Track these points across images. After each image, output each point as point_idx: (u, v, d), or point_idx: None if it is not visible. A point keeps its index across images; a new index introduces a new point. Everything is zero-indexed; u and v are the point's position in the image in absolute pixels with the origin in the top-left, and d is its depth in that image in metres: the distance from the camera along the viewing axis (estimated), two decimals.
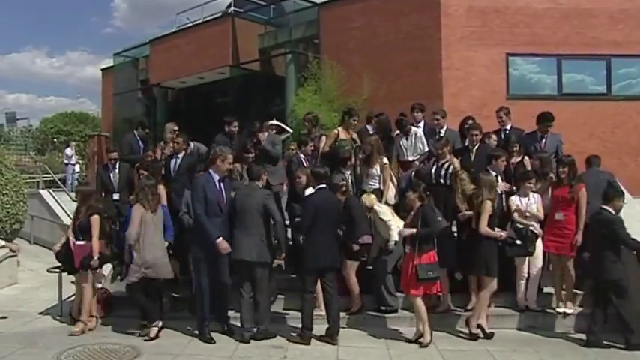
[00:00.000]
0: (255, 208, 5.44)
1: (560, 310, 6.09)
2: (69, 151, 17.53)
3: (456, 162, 6.59)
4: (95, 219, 5.80)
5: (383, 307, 6.17)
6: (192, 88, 17.20)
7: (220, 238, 5.20)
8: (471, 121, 7.39)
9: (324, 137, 7.73)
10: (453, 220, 6.09)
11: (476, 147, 6.79)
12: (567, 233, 5.92)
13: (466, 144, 7.03)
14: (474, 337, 5.61)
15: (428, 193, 5.56)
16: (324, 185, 5.64)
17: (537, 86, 11.81)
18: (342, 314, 6.12)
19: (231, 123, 7.45)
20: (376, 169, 6.57)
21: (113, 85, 19.78)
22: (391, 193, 6.54)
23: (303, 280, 5.47)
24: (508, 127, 7.36)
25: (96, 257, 5.79)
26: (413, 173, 6.80)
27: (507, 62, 11.66)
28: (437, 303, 6.19)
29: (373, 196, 6.23)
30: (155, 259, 5.46)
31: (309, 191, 6.07)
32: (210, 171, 5.40)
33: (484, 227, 5.59)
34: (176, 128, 7.66)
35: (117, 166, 7.22)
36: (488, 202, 5.58)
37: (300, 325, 5.50)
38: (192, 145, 7.34)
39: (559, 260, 6.08)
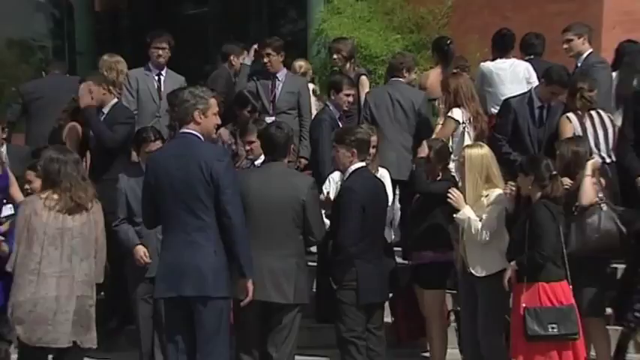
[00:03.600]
0: (290, 207, 5.62)
1: None
2: None
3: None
4: None
5: None
6: None
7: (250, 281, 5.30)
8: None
9: (363, 78, 8.24)
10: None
11: None
12: None
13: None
14: None
15: (554, 173, 5.72)
16: (364, 164, 5.99)
17: None
18: None
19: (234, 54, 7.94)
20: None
21: None
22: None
23: (345, 329, 5.79)
24: None
25: None
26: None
27: None
28: None
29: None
30: (47, 305, 5.39)
31: (336, 174, 6.50)
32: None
33: None
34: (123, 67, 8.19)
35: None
36: None
37: None
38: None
39: None
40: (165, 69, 8.42)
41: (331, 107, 7.62)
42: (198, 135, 5.26)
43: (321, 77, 10.87)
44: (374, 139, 6.64)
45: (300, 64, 9.46)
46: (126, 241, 6.45)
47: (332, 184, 6.68)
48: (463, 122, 7.21)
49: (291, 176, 5.91)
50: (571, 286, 5.63)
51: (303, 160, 8.18)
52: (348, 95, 7.60)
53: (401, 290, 6.72)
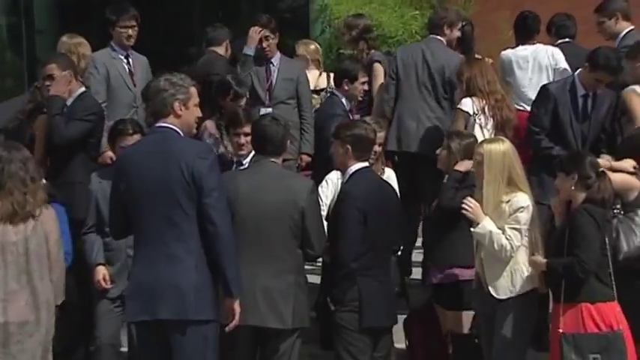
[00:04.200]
0: (286, 215, 5.63)
1: None
2: None
3: None
4: None
5: None
6: None
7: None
8: None
9: (377, 66, 8.29)
10: None
11: None
12: None
13: None
14: None
15: (601, 170, 5.74)
16: (368, 163, 6.08)
17: None
18: None
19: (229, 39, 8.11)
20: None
21: None
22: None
23: (349, 357, 5.82)
24: None
25: None
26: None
27: None
28: None
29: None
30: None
31: (334, 174, 6.69)
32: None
33: None
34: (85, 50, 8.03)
35: None
36: None
37: None
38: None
39: None
40: (130, 49, 8.32)
41: (343, 99, 7.68)
42: (177, 130, 5.24)
43: (325, 61, 10.80)
44: (380, 135, 6.72)
45: (315, 47, 9.52)
46: (88, 257, 6.44)
47: (330, 186, 6.70)
48: (474, 113, 7.32)
49: (288, 178, 5.91)
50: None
51: (305, 157, 8.22)
52: (363, 83, 7.71)
53: (417, 310, 6.78)
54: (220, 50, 8.76)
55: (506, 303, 5.86)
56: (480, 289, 6.05)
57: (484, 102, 7.33)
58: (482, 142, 6.28)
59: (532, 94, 7.85)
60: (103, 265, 6.38)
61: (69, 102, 7.25)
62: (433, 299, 6.63)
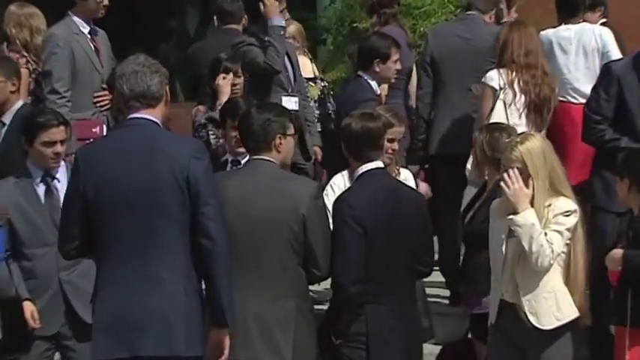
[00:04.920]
0: (284, 226, 5.63)
1: None
2: None
3: None
4: None
5: None
6: None
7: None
8: None
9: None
10: None
11: None
12: None
13: None
14: None
15: None
16: (381, 163, 6.15)
17: None
18: None
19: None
20: None
21: None
22: None
23: None
24: None
25: None
26: None
27: None
28: None
29: None
30: None
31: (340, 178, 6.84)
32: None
33: None
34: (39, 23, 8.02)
35: None
36: None
37: None
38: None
39: None
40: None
41: (373, 82, 7.84)
42: (159, 122, 5.19)
43: (336, 37, 10.79)
44: (398, 130, 6.80)
45: (296, 27, 9.67)
46: (6, 291, 6.37)
47: (337, 193, 6.64)
48: (500, 87, 7.49)
49: (286, 180, 5.85)
50: None
51: (317, 150, 8.39)
52: (395, 62, 7.89)
53: (451, 345, 6.83)
54: (240, 29, 8.92)
55: (550, 336, 5.71)
56: (502, 313, 5.87)
57: (513, 74, 7.49)
58: (516, 144, 5.96)
59: (576, 84, 8.02)
60: (29, 300, 6.34)
61: (7, 118, 7.25)
62: (471, 333, 6.62)
